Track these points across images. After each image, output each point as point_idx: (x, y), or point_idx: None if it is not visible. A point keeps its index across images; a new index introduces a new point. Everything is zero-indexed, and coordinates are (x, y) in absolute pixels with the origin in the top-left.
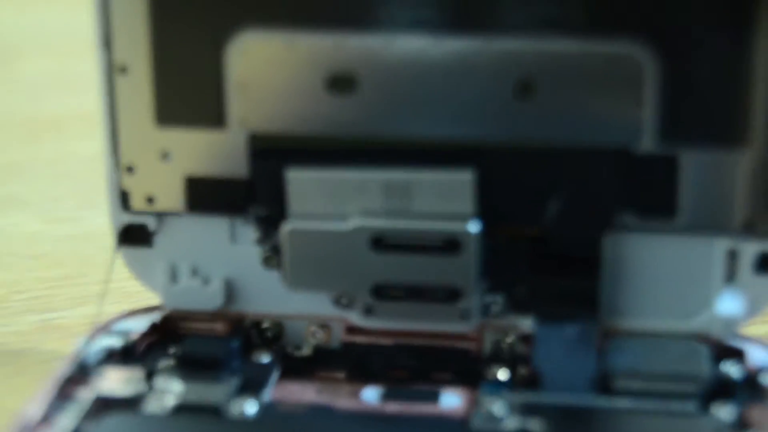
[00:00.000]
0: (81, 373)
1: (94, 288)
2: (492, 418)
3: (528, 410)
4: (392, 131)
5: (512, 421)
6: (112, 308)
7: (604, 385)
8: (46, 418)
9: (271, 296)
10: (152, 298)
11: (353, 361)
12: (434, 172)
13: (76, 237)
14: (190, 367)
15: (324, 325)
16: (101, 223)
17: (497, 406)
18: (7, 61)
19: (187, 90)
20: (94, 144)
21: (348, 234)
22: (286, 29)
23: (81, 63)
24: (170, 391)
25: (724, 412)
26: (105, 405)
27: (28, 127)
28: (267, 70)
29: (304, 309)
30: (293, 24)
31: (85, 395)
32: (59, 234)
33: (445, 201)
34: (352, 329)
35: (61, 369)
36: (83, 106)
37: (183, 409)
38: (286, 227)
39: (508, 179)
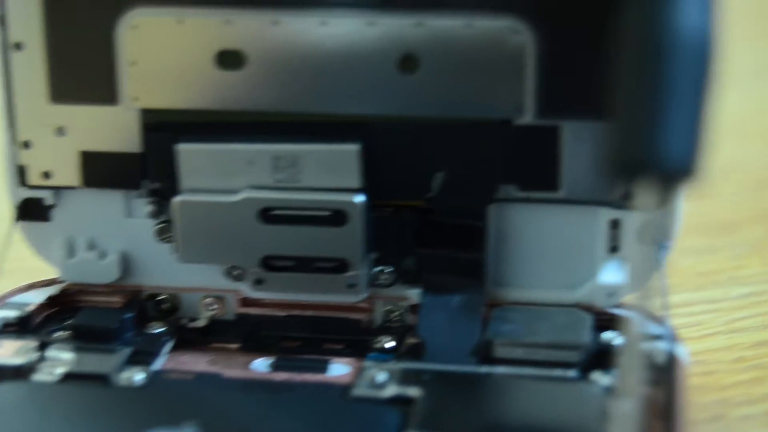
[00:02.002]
0: None
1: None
2: (373, 385)
3: (408, 377)
4: (280, 106)
5: (392, 388)
6: (15, 284)
7: (486, 353)
8: None
9: (166, 269)
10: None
11: (247, 332)
12: (321, 146)
13: None
14: (83, 338)
15: (219, 297)
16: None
17: (379, 374)
18: None
19: (80, 67)
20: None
21: (236, 206)
22: (175, 6)
23: None
24: (61, 360)
25: (604, 379)
26: None
27: None
28: (157, 47)
29: (199, 281)
30: (182, 2)
31: None
32: None
33: (331, 174)
34: (246, 301)
35: None
36: None
37: (71, 377)
38: (177, 200)
39: (393, 153)
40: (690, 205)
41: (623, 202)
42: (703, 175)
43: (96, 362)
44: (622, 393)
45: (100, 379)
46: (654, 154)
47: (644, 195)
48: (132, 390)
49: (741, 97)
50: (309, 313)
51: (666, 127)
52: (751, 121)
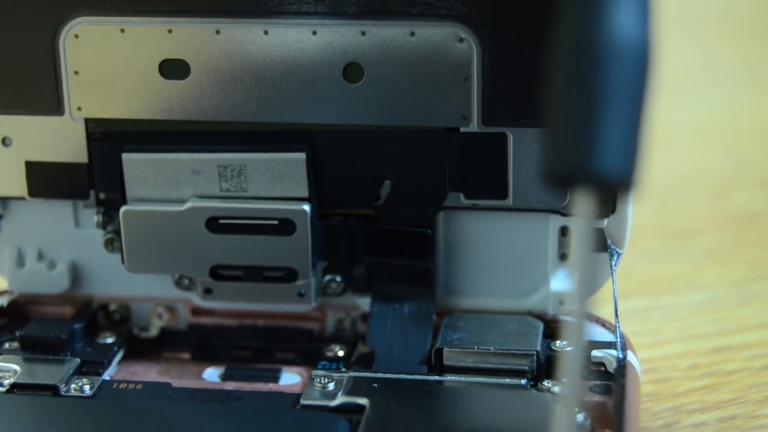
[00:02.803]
0: None
1: None
2: (322, 394)
3: (358, 386)
4: (226, 115)
5: (341, 397)
6: None
7: (437, 362)
8: None
9: (116, 279)
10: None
11: (198, 341)
12: (268, 155)
13: None
14: (32, 349)
15: (170, 307)
16: None
17: (329, 383)
18: None
19: (23, 76)
20: None
21: (183, 215)
22: (117, 15)
23: None
24: (10, 371)
25: (554, 387)
26: None
27: None
28: (100, 56)
29: (150, 291)
30: (124, 11)
31: None
32: None
33: (279, 183)
34: (197, 311)
35: None
36: None
37: (20, 387)
38: (123, 210)
39: (340, 161)
40: (649, 212)
41: (572, 209)
42: (641, 183)
43: (45, 373)
44: (563, 400)
45: (49, 390)
46: (589, 162)
47: (581, 203)
48: (81, 400)
49: (699, 106)
50: (260, 322)
51: (601, 135)
52: (710, 130)
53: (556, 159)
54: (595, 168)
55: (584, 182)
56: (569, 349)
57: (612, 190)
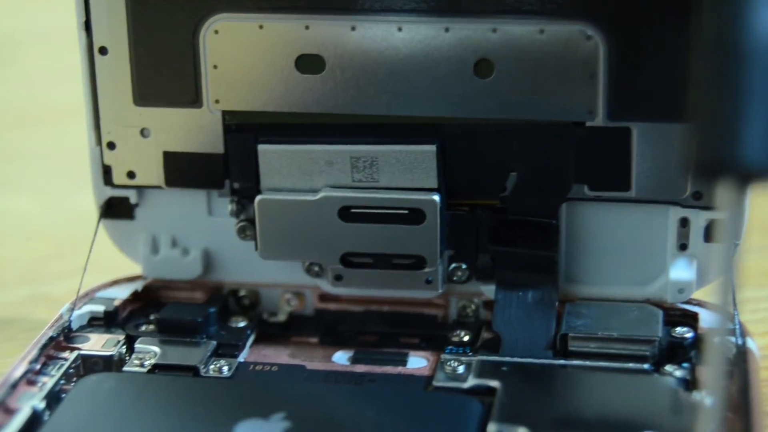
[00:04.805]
0: (64, 337)
1: (83, 263)
2: (453, 377)
3: (487, 369)
4: (359, 109)
5: (472, 380)
6: (101, 280)
7: (561, 347)
8: (29, 377)
9: (247, 266)
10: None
11: (325, 326)
12: (399, 147)
13: (68, 217)
14: (169, 332)
15: (298, 293)
16: (91, 204)
17: (458, 366)
18: (8, 54)
19: (163, 70)
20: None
21: (316, 204)
22: (255, 12)
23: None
24: (150, 352)
25: (677, 372)
26: (86, 365)
27: (25, 116)
28: (238, 51)
29: (279, 278)
30: (263, 8)
31: (68, 356)
32: (52, 214)
33: (409, 174)
34: (324, 297)
35: (44, 332)
36: (77, 97)
37: (161, 368)
38: (258, 199)
39: (469, 154)
40: (753, 207)
41: (692, 201)
42: None
43: (184, 354)
44: (706, 389)
45: (189, 370)
46: (735, 154)
47: (723, 194)
48: (220, 381)
49: None
50: (385, 308)
51: (746, 126)
52: None
53: (704, 151)
54: (741, 159)
55: (730, 173)
56: (707, 339)
57: (756, 180)
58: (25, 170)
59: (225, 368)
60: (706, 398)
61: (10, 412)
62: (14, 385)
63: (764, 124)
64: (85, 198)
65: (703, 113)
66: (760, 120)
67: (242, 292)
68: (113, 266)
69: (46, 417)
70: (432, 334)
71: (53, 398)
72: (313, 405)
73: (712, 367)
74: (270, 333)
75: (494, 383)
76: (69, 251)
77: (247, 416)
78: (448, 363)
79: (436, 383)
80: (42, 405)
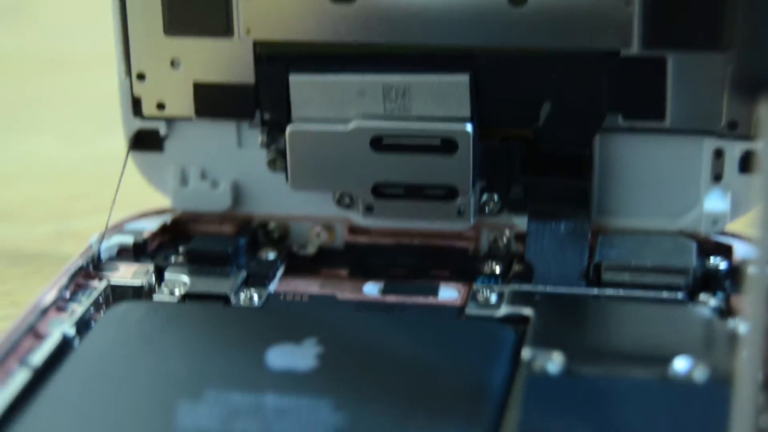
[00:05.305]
0: (94, 267)
1: (110, 203)
2: (486, 306)
3: (519, 298)
4: (391, 38)
5: (505, 308)
6: (128, 214)
7: (594, 278)
8: (59, 304)
9: (276, 198)
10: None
11: (355, 259)
12: (432, 76)
13: (94, 159)
14: (198, 262)
15: (327, 226)
16: (117, 146)
17: (491, 296)
18: (31, 2)
19: (194, 0)
20: (113, 79)
21: (348, 135)
22: None
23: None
24: (180, 282)
25: (711, 301)
26: (115, 294)
27: (49, 62)
28: None
29: (309, 210)
30: None
31: (97, 285)
32: (77, 156)
33: (442, 103)
34: (354, 229)
35: (74, 262)
36: (105, 44)
37: (191, 297)
38: (289, 129)
39: (502, 83)
40: None
41: (727, 132)
42: None
43: (214, 284)
44: (748, 318)
45: (220, 299)
46: None
47: (764, 114)
48: (251, 309)
49: None
50: (416, 241)
51: None
52: None
53: (748, 66)
54: None
55: None
56: (751, 268)
57: None
58: (50, 115)
59: (255, 297)
60: (741, 326)
61: (40, 336)
62: (45, 311)
63: None
64: (110, 142)
65: (748, 31)
66: None
67: (271, 225)
68: (141, 203)
69: (76, 343)
70: (463, 267)
71: (83, 325)
72: (345, 331)
73: (751, 296)
74: (299, 266)
75: (527, 311)
76: (95, 191)
77: (279, 341)
78: (480, 292)
79: (468, 312)
80: (72, 331)
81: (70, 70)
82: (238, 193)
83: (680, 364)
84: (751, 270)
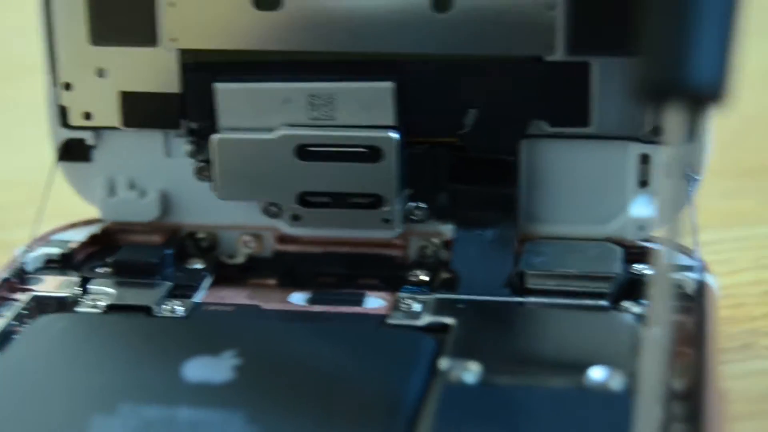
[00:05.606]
0: (19, 279)
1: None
2: (408, 315)
3: (443, 307)
4: (316, 46)
5: (427, 317)
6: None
7: (519, 285)
8: None
9: (205, 208)
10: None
11: (284, 268)
12: (356, 84)
13: (30, 168)
14: (124, 273)
15: (256, 235)
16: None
17: (414, 304)
18: None
19: (119, 9)
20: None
21: (274, 143)
22: None
23: None
24: (104, 294)
25: (634, 308)
26: (40, 306)
27: None
28: None
29: (237, 220)
30: None
31: (21, 298)
32: (12, 164)
33: (367, 111)
34: (283, 238)
35: None
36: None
37: (114, 309)
38: (215, 138)
39: (427, 90)
40: (718, 152)
41: (653, 137)
42: (730, 98)
43: (138, 295)
44: (652, 321)
45: (143, 310)
46: (683, 74)
47: (673, 120)
48: (173, 320)
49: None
50: (344, 249)
51: (694, 48)
52: None
53: (650, 73)
54: (688, 80)
55: (676, 95)
56: (653, 271)
57: (704, 103)
58: None
59: (179, 308)
60: (653, 332)
61: None
62: None
63: (713, 45)
64: (48, 150)
65: (651, 35)
66: (709, 41)
67: (200, 235)
68: (76, 214)
69: None
70: (391, 276)
71: (4, 338)
72: (265, 342)
73: (658, 300)
74: (228, 275)
75: (449, 320)
76: (28, 200)
77: (197, 353)
78: (404, 301)
79: (390, 321)
80: None
81: (10, 78)
82: (166, 203)
83: (597, 373)
84: (655, 275)
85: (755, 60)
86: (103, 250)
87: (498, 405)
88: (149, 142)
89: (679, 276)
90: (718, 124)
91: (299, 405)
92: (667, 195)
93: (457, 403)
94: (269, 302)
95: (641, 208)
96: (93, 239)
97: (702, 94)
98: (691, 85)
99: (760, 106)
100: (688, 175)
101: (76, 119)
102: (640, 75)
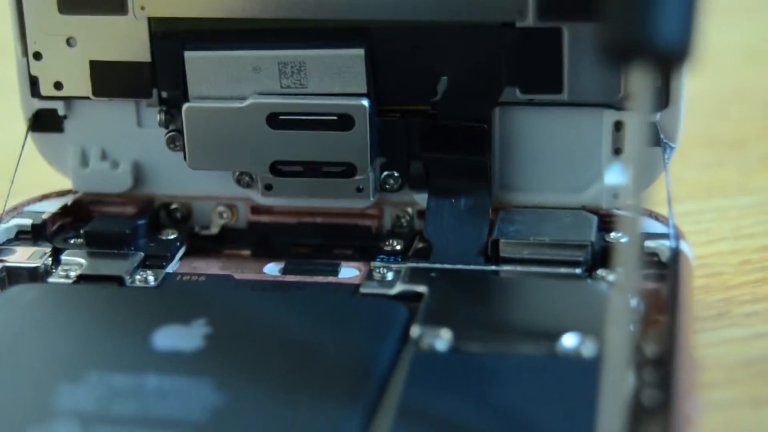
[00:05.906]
0: None
1: (24, 186)
2: (381, 283)
3: (416, 276)
4: (286, 13)
5: (400, 286)
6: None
7: (493, 253)
8: None
9: (178, 178)
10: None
11: (258, 239)
12: (327, 51)
13: (6, 142)
14: (97, 244)
15: (230, 206)
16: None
17: (388, 273)
18: None
19: None
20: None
21: (245, 111)
22: None
23: None
24: (76, 264)
25: (609, 276)
26: (11, 277)
27: None
28: None
29: (211, 190)
30: None
31: None
32: None
33: (338, 79)
34: (257, 209)
35: None
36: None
37: (86, 279)
38: (185, 107)
39: (398, 57)
40: (698, 124)
41: (626, 104)
42: (696, 56)
43: (110, 265)
44: (620, 287)
45: (114, 281)
46: (647, 34)
47: (638, 81)
48: (145, 290)
49: (750, 27)
50: (319, 220)
51: (659, 8)
52: (759, 48)
53: (614, 33)
54: (653, 39)
55: (642, 54)
56: (625, 238)
57: (668, 63)
58: None
59: (151, 278)
60: (620, 298)
61: None
62: None
63: (679, 3)
64: (20, 124)
65: None
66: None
67: (174, 205)
68: (51, 186)
69: None
70: (366, 245)
71: None
72: (237, 311)
73: (628, 266)
74: (202, 246)
75: (422, 288)
76: (1, 175)
77: (168, 322)
78: (377, 270)
79: (363, 290)
80: None
81: None
82: (139, 173)
83: (569, 340)
84: (622, 243)
85: (738, 36)
86: (75, 221)
87: (469, 372)
88: (121, 112)
89: (654, 244)
90: (701, 98)
91: (270, 372)
92: (635, 159)
93: (428, 370)
94: (243, 272)
95: (616, 176)
96: (65, 210)
97: (666, 53)
98: (655, 44)
99: (742, 80)
100: (664, 143)
101: (46, 89)
102: (605, 36)
